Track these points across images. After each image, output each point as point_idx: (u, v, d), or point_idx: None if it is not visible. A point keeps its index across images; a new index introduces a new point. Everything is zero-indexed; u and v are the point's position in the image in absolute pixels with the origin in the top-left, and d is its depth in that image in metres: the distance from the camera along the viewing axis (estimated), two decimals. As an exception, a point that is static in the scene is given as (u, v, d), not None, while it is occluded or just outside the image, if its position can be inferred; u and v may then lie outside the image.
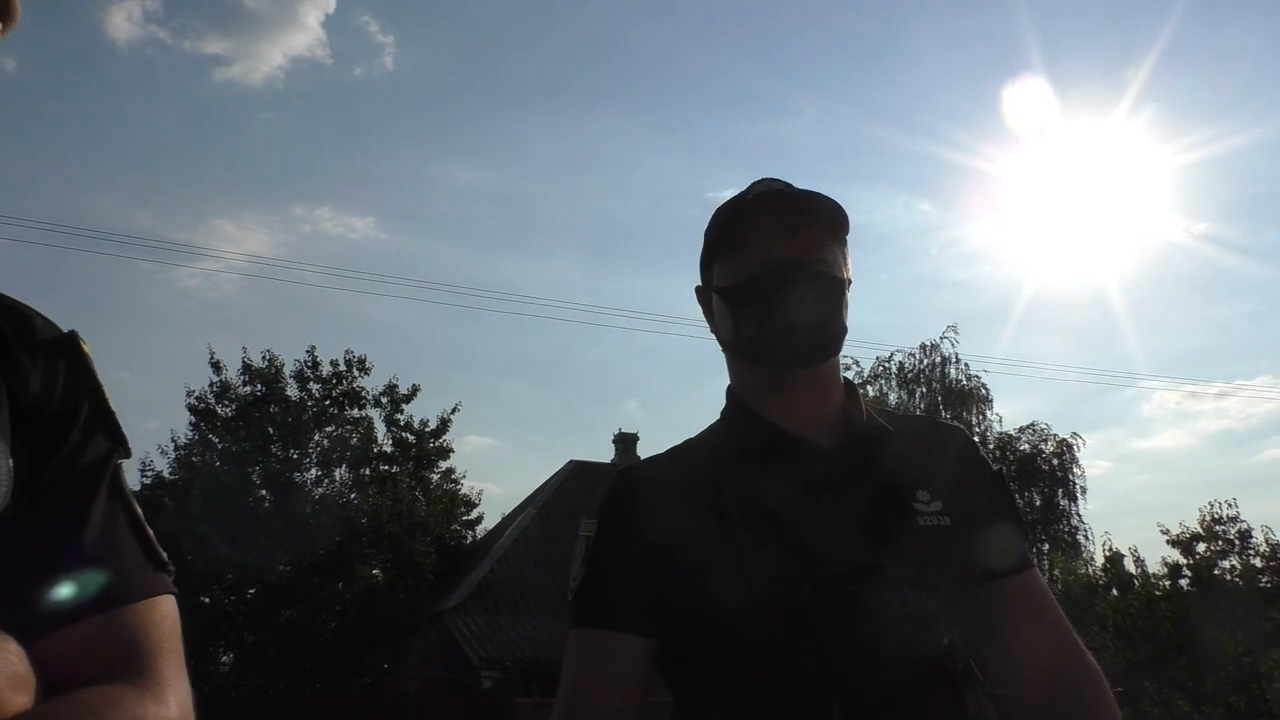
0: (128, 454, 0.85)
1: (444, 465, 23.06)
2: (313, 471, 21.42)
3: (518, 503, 24.58)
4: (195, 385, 21.44)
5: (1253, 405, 37.02)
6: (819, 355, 1.28)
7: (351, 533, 20.20)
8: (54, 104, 34.29)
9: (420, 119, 41.23)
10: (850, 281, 1.33)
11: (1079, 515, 25.93)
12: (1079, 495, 25.99)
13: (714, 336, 1.39)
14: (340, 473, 21.72)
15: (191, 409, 21.27)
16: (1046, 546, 24.17)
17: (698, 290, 1.40)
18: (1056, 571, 20.69)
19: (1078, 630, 1.31)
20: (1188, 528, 19.11)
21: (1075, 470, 26.06)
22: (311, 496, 21.03)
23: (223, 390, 21.30)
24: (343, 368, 21.99)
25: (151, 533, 0.82)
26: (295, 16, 39.58)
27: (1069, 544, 24.96)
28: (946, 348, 26.51)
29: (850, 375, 1.46)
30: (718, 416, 1.37)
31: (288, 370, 21.72)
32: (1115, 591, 19.71)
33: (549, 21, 42.59)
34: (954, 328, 27.50)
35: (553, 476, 23.32)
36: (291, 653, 19.05)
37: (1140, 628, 17.20)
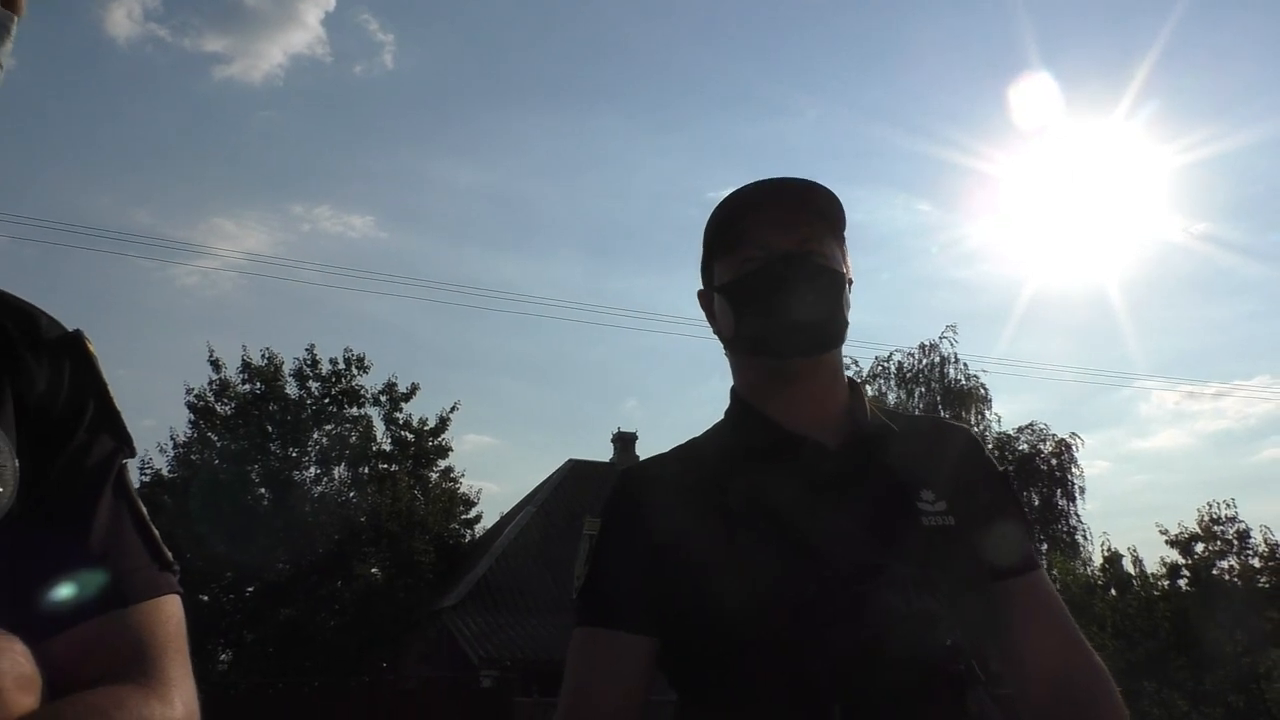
0: (133, 453, 0.85)
1: (443, 464, 23.11)
2: (312, 470, 21.45)
3: (516, 501, 24.61)
4: (194, 383, 21.52)
5: (1251, 405, 37.04)
6: (820, 345, 1.28)
7: (350, 531, 20.21)
8: (53, 102, 34.27)
9: (420, 118, 41.22)
10: (850, 279, 1.33)
11: (1077, 515, 25.93)
12: (1077, 495, 26.00)
13: (717, 338, 1.39)
14: (339, 471, 21.74)
15: (190, 407, 21.30)
16: (1045, 547, 24.15)
17: (700, 294, 1.40)
18: (1055, 571, 20.66)
19: None
20: (1186, 528, 19.12)
21: (1074, 470, 26.07)
22: (310, 495, 21.03)
23: (222, 388, 21.31)
24: (342, 366, 22.02)
25: (157, 532, 0.82)
26: (295, 15, 39.64)
27: (1067, 544, 24.95)
28: (946, 347, 26.51)
29: (849, 375, 1.46)
30: (718, 415, 1.38)
31: (287, 368, 21.76)
32: (1114, 591, 19.70)
33: (549, 21, 42.59)
34: (953, 327, 27.49)
35: (551, 475, 23.32)
36: (290, 651, 19.06)
37: (1139, 628, 17.20)
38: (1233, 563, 18.90)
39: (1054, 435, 26.35)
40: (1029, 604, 1.26)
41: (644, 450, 24.35)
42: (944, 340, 26.54)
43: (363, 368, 22.14)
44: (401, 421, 22.46)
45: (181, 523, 17.20)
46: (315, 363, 21.88)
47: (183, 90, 36.28)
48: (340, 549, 19.93)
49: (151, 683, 0.72)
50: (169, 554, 0.82)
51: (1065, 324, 41.08)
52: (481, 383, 38.90)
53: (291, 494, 20.48)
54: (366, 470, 21.74)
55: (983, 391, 26.15)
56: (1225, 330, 41.39)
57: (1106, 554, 20.33)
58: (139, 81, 36.54)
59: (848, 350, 1.37)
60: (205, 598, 19.08)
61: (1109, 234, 41.88)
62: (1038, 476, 25.52)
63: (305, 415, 21.36)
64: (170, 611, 0.79)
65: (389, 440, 22.35)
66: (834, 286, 1.27)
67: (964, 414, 25.01)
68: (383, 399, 22.36)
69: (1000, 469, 1.35)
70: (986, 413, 26.11)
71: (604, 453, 24.91)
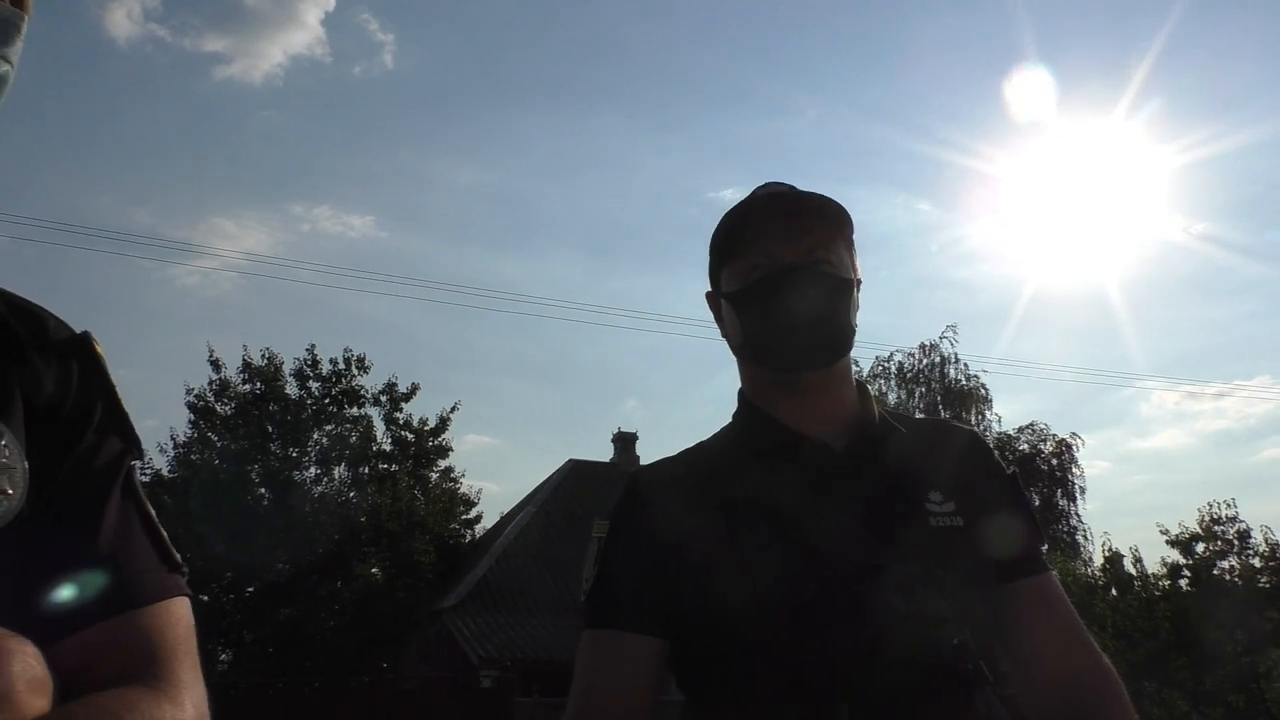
0: (141, 455, 0.84)
1: (443, 464, 23.08)
2: (312, 470, 21.43)
3: (517, 501, 24.62)
4: (194, 383, 21.48)
5: (1251, 405, 37.05)
6: (826, 358, 1.28)
7: (350, 531, 20.20)
8: (53, 102, 34.24)
9: (420, 118, 41.22)
10: (860, 281, 1.33)
11: (1078, 515, 25.95)
12: (1078, 495, 26.01)
13: (722, 339, 1.40)
14: (339, 471, 21.73)
15: (191, 407, 21.29)
16: (1045, 547, 24.15)
17: (708, 296, 1.41)
18: (1055, 572, 20.64)
19: None
20: (1187, 528, 19.11)
21: (1074, 470, 26.09)
22: (310, 495, 21.02)
23: (222, 388, 21.30)
24: (342, 366, 22.00)
25: (165, 534, 0.82)
26: (295, 15, 39.63)
27: (1068, 544, 24.97)
28: (946, 347, 26.53)
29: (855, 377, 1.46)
30: (720, 415, 1.39)
31: (287, 368, 21.74)
32: (1114, 592, 19.70)
33: (549, 21, 42.60)
34: (953, 327, 27.52)
35: (552, 475, 23.32)
36: (290, 651, 19.05)
37: (1139, 628, 17.19)
38: (1233, 563, 18.90)
39: (1054, 435, 26.38)
40: (1037, 605, 1.26)
41: (644, 450, 24.41)
42: (944, 340, 26.59)
43: (363, 368, 22.14)
44: (402, 421, 22.46)
45: (182, 523, 17.18)
46: (315, 363, 21.87)
47: (183, 90, 36.33)
48: (340, 549, 19.92)
49: (162, 685, 0.72)
50: (178, 556, 0.82)
51: (1065, 324, 41.14)
52: (482, 383, 38.96)
53: (291, 494, 20.47)
54: (367, 470, 21.73)
55: (983, 391, 26.19)
56: (1225, 330, 41.45)
57: (1107, 554, 20.32)
58: (139, 81, 36.58)
59: (848, 351, 1.37)
60: (205, 598, 19.06)
61: (1109, 234, 41.91)
62: (1038, 477, 25.53)
63: (305, 415, 21.35)
64: (179, 613, 0.79)
65: (389, 440, 22.34)
66: (840, 295, 1.27)
67: (964, 414, 25.02)
68: (383, 399, 22.35)
69: (1010, 471, 1.35)
70: (987, 413, 26.15)
71: (604, 453, 24.96)
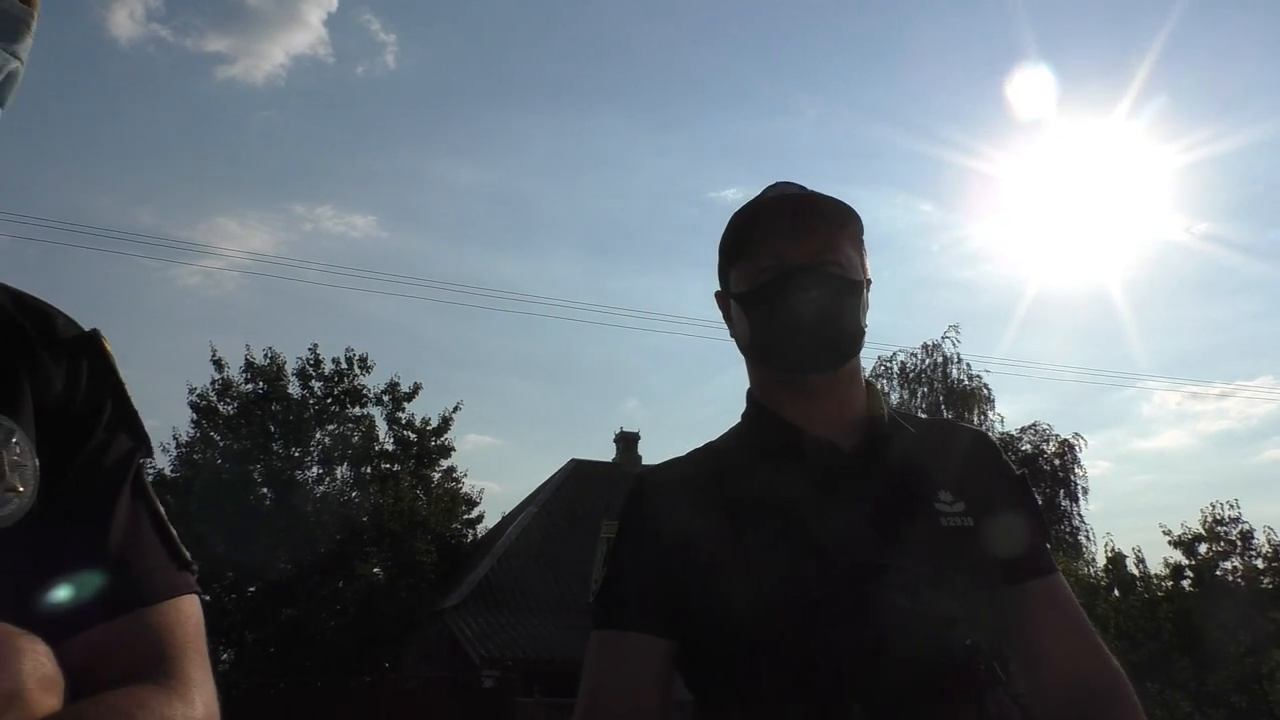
0: (150, 453, 0.84)
1: (445, 464, 23.13)
2: (314, 469, 21.47)
3: (519, 501, 24.63)
4: (197, 383, 21.54)
5: (1253, 406, 37.02)
6: (831, 360, 1.27)
7: (352, 531, 20.22)
8: (55, 102, 34.25)
9: (421, 118, 41.26)
10: (869, 282, 1.32)
11: (1080, 516, 25.97)
12: (1080, 496, 26.03)
13: (729, 338, 1.39)
14: (341, 471, 21.76)
15: (193, 406, 21.32)
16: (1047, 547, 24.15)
17: (717, 295, 1.41)
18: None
19: None
20: (1189, 528, 19.13)
21: (1077, 471, 26.10)
22: (313, 494, 21.05)
23: (225, 388, 21.33)
24: (344, 366, 22.03)
25: (175, 532, 0.82)
26: (297, 15, 39.71)
27: (1070, 545, 24.96)
28: (948, 347, 26.54)
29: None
30: (721, 415, 1.39)
31: (290, 368, 21.77)
32: (1117, 592, 19.71)
33: (550, 21, 42.62)
34: (955, 327, 27.51)
35: (554, 475, 23.33)
36: (292, 651, 19.08)
37: (1142, 628, 17.20)
38: (1236, 563, 18.92)
39: (1057, 436, 26.41)
40: (1046, 606, 1.26)
41: (646, 450, 24.42)
42: (946, 340, 26.60)
43: (365, 367, 22.18)
44: (404, 421, 22.49)
45: (183, 522, 17.19)
46: (318, 362, 21.91)
47: (185, 90, 36.37)
48: (342, 549, 19.94)
49: (172, 683, 0.72)
50: (187, 553, 0.82)
51: (1067, 324, 41.11)
52: (484, 383, 39.01)
53: (294, 494, 20.49)
54: (369, 470, 21.76)
55: (985, 392, 26.19)
56: (1227, 330, 41.43)
57: (1110, 555, 20.34)
58: (141, 82, 36.63)
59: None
60: (207, 597, 18.86)
61: (1111, 234, 42.00)
62: (1040, 477, 25.52)
63: (308, 415, 21.38)
64: (189, 611, 0.79)
65: (391, 440, 22.38)
66: (848, 296, 1.26)
67: (967, 414, 25.02)
68: (385, 399, 22.38)
69: (1019, 472, 1.34)
70: (989, 413, 26.17)
71: (606, 453, 24.96)
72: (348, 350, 22.18)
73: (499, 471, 43.67)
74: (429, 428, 22.64)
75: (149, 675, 0.71)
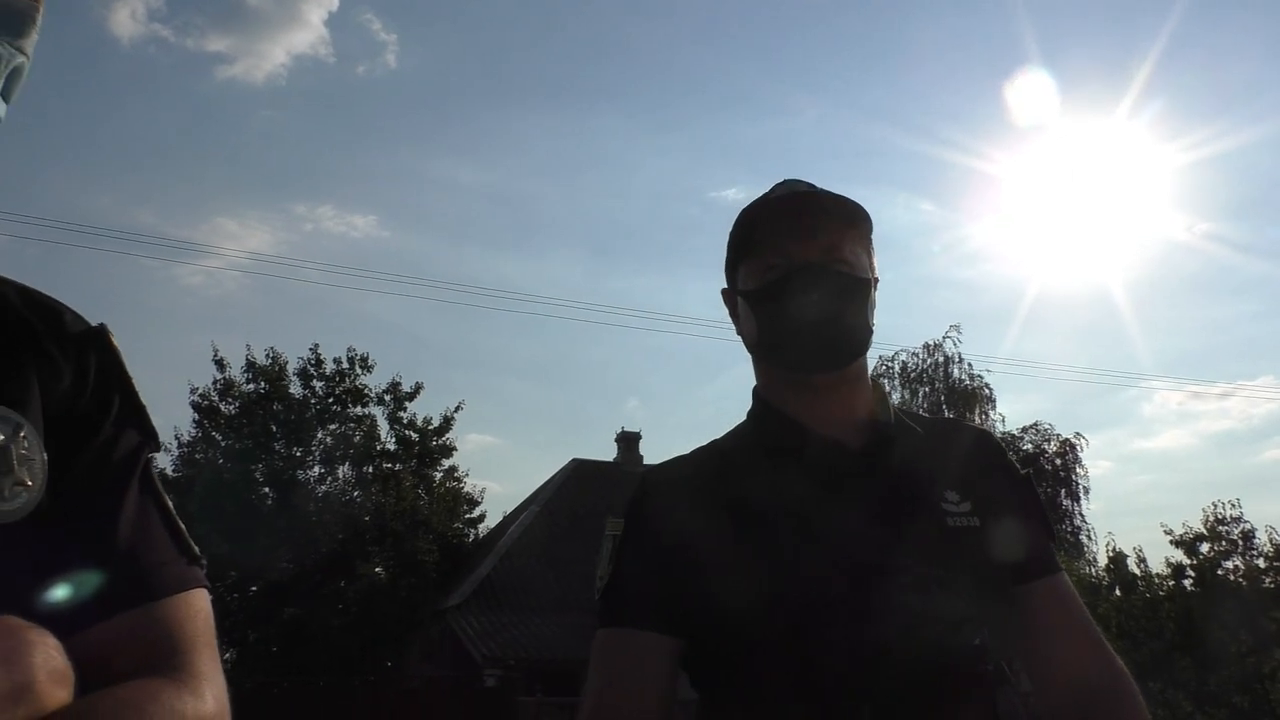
0: (158, 448, 0.85)
1: (447, 463, 23.14)
2: (316, 469, 21.50)
3: (520, 501, 24.62)
4: (199, 382, 21.54)
5: (1255, 406, 36.95)
6: (840, 359, 1.27)
7: (354, 530, 20.24)
8: (56, 101, 34.20)
9: (422, 118, 41.21)
10: (877, 280, 1.32)
11: (1082, 515, 25.96)
12: (1082, 495, 26.02)
13: (734, 336, 1.39)
14: (343, 470, 21.79)
15: (195, 406, 21.35)
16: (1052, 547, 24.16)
17: (724, 292, 1.40)
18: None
19: None
20: (1191, 528, 19.10)
21: (1078, 470, 26.10)
22: (314, 494, 21.07)
23: (226, 388, 21.35)
24: (346, 366, 22.05)
25: (183, 526, 0.82)
26: (298, 15, 39.68)
27: (1072, 544, 24.96)
28: (949, 347, 26.53)
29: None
30: (722, 414, 1.39)
31: (291, 368, 21.79)
32: (1118, 592, 19.70)
33: (551, 21, 42.55)
34: (957, 327, 27.54)
35: (555, 475, 23.33)
36: (294, 651, 19.09)
37: (1143, 628, 17.18)
38: (1238, 563, 18.89)
39: (1058, 435, 26.40)
40: (1051, 606, 1.25)
41: (647, 449, 24.42)
42: (948, 340, 26.58)
43: (366, 367, 22.20)
44: (405, 421, 22.51)
45: (185, 522, 17.06)
46: (319, 362, 21.93)
47: (185, 90, 36.31)
48: (344, 548, 19.96)
49: (182, 676, 0.72)
50: (195, 548, 0.82)
51: (1069, 324, 41.08)
52: (485, 382, 38.99)
53: (295, 493, 20.51)
54: (370, 469, 21.77)
55: (987, 391, 26.19)
56: (1229, 330, 41.38)
57: (1111, 554, 20.32)
58: (142, 81, 36.57)
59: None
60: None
61: (1112, 234, 41.86)
62: (1042, 477, 25.51)
63: (309, 414, 21.40)
64: (199, 605, 0.79)
65: (393, 440, 22.39)
66: (854, 295, 1.26)
67: (968, 414, 25.01)
68: (387, 398, 22.40)
69: (1024, 472, 1.34)
70: (991, 413, 26.16)
71: (608, 452, 24.95)
72: (349, 350, 22.24)
73: (500, 471, 43.67)
74: (430, 427, 22.66)
75: (159, 669, 0.71)
